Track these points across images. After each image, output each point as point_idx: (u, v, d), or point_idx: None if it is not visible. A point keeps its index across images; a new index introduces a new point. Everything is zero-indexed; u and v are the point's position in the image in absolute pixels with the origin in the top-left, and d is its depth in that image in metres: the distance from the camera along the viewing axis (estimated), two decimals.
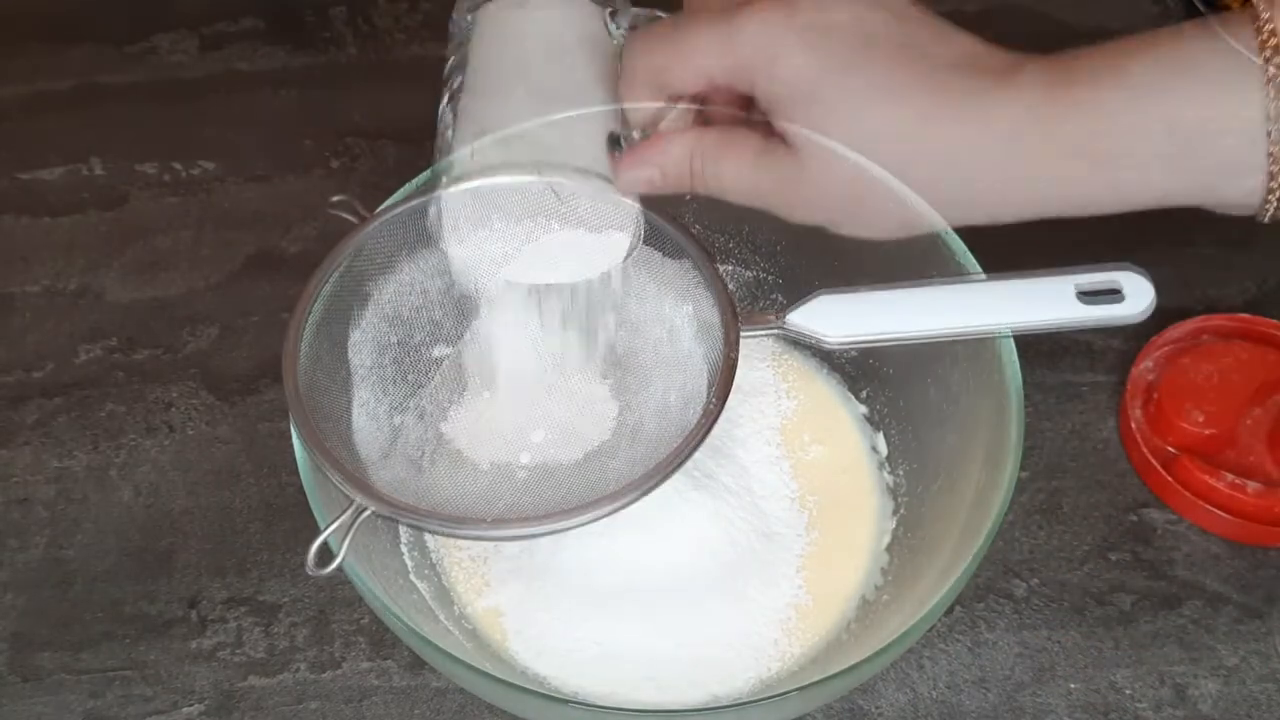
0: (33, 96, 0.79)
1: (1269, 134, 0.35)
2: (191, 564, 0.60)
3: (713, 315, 0.50)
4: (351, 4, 0.82)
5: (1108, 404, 0.64)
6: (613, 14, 0.48)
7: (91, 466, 0.63)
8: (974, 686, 0.55)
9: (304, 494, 0.48)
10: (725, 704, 0.52)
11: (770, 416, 0.60)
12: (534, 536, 0.45)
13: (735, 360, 0.48)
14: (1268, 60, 0.35)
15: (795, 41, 0.38)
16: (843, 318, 0.48)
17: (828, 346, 0.49)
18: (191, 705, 0.56)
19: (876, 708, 0.55)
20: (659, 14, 0.46)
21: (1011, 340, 0.50)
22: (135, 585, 0.59)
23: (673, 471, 0.46)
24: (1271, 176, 0.36)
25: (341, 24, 0.82)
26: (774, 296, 0.61)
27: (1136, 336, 0.64)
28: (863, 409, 0.61)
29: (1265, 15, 0.35)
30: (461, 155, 0.47)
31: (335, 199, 0.51)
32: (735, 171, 0.43)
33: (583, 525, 0.45)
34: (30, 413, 0.65)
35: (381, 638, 0.57)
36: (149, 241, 0.72)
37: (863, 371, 0.61)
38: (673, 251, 0.51)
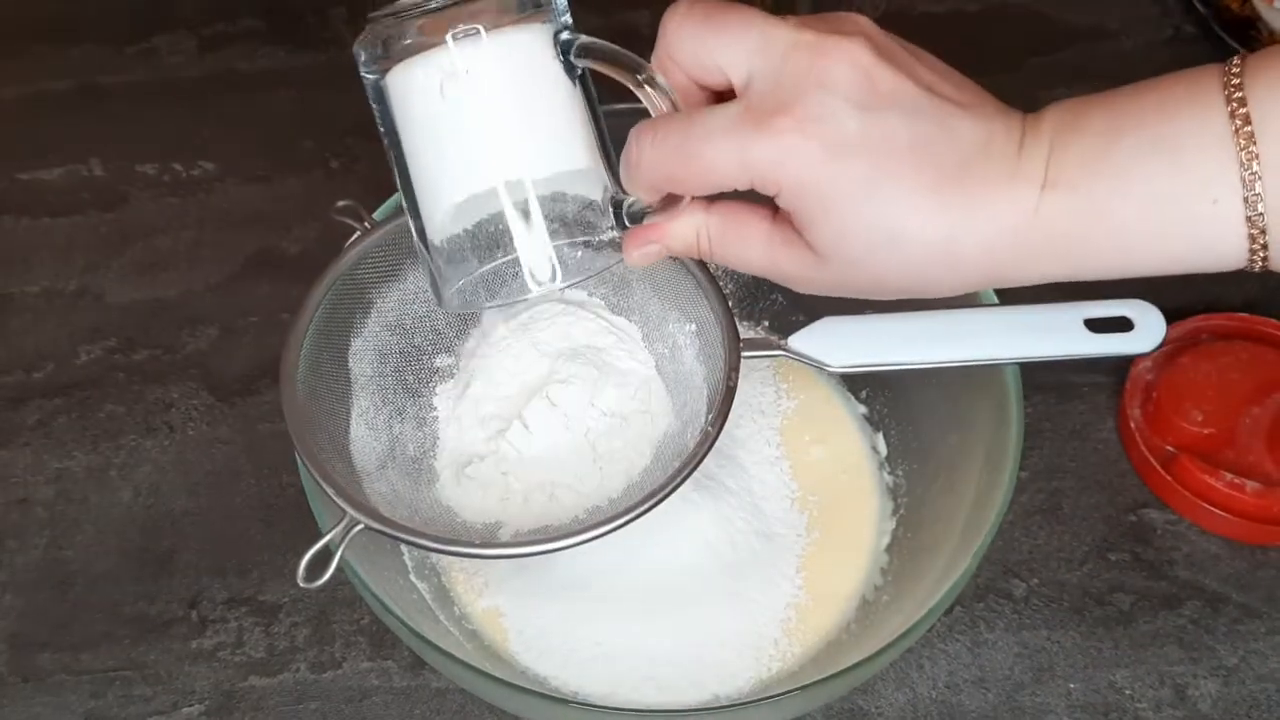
0: (33, 96, 0.79)
1: (1245, 202, 0.37)
2: (191, 564, 0.60)
3: (715, 336, 0.49)
4: (351, 4, 0.82)
5: (1107, 404, 0.64)
6: (564, 43, 0.43)
7: (91, 467, 0.63)
8: (973, 686, 0.55)
9: (304, 494, 0.48)
10: (725, 704, 0.52)
11: (770, 416, 0.60)
12: (525, 556, 0.45)
13: (735, 386, 0.47)
14: (1240, 142, 0.37)
15: (808, 161, 0.39)
16: (846, 342, 0.48)
17: (829, 371, 0.49)
18: (191, 705, 0.56)
19: (876, 708, 0.55)
20: (611, 45, 0.43)
21: None
22: (135, 585, 0.59)
23: (669, 494, 0.45)
24: (1253, 240, 0.37)
25: (341, 24, 0.82)
26: (774, 296, 0.61)
27: None
28: (863, 409, 0.61)
29: (1238, 95, 0.37)
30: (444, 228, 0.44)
31: (340, 204, 0.51)
32: (746, 253, 0.43)
33: (575, 547, 0.45)
34: (30, 413, 0.65)
35: (381, 638, 0.57)
36: (149, 242, 0.72)
37: (863, 373, 0.61)
38: (678, 269, 0.51)
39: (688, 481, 0.53)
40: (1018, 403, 0.49)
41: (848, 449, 0.60)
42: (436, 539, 0.45)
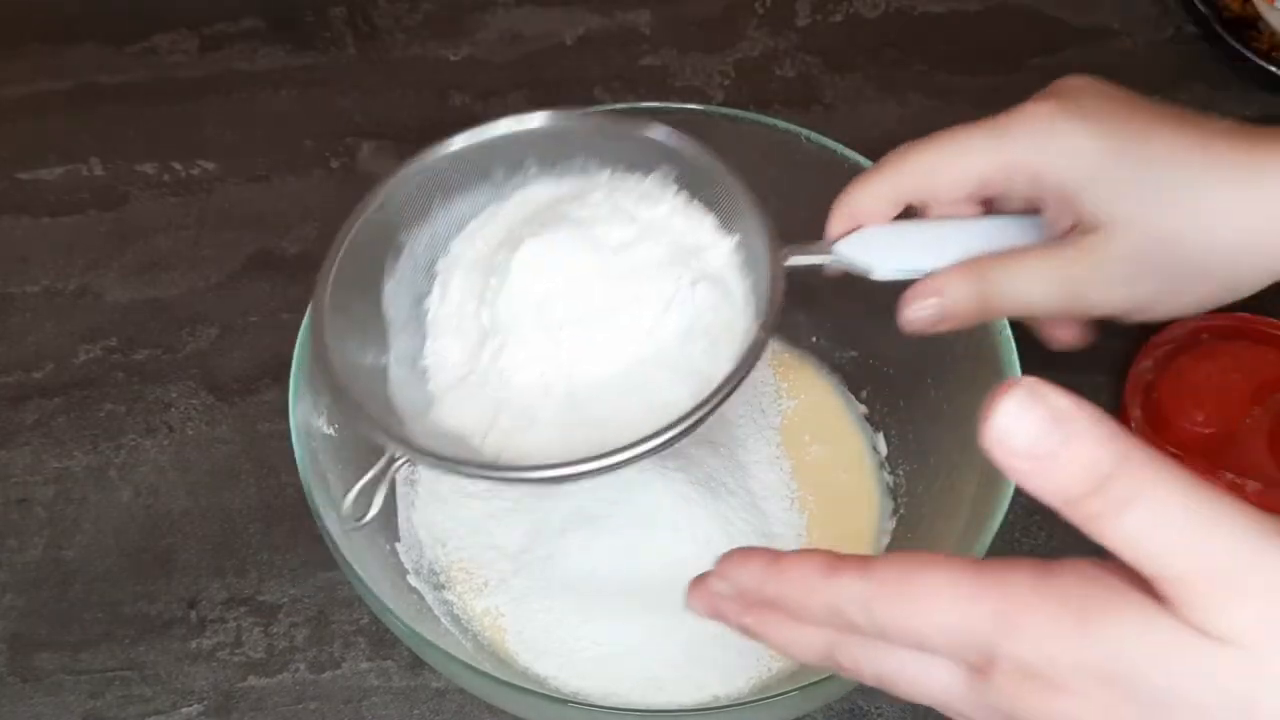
0: (33, 96, 0.78)
1: None
2: (191, 564, 0.60)
3: (758, 240, 0.47)
4: (351, 4, 0.82)
5: (1107, 404, 0.64)
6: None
7: (91, 467, 0.63)
8: None
9: (303, 494, 0.48)
10: (725, 704, 0.52)
11: (770, 416, 0.60)
12: (574, 479, 0.43)
13: (782, 287, 0.45)
14: None
15: (1070, 126, 0.40)
16: (892, 250, 0.47)
17: (875, 279, 0.47)
18: (191, 705, 0.56)
19: (876, 708, 0.55)
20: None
21: (1012, 340, 0.50)
22: (135, 585, 0.59)
23: (721, 402, 0.43)
24: None
25: (341, 24, 0.81)
26: None
27: (1136, 336, 0.64)
28: (863, 409, 0.61)
29: None
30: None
31: (368, 146, 0.48)
32: (1032, 277, 0.43)
33: (629, 464, 0.42)
34: (30, 413, 0.65)
35: (381, 638, 0.57)
36: (149, 241, 0.72)
37: (863, 371, 0.61)
38: (708, 177, 0.48)
39: (687, 481, 0.53)
40: None
41: (848, 449, 0.60)
42: (479, 465, 0.44)
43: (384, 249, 0.49)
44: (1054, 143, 0.41)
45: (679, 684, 0.53)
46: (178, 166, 0.75)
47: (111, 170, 0.75)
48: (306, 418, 0.50)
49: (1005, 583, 0.30)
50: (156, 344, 0.68)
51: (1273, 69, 0.73)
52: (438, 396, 0.48)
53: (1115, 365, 0.64)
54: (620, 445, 0.42)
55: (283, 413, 0.50)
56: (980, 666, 0.31)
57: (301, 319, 0.51)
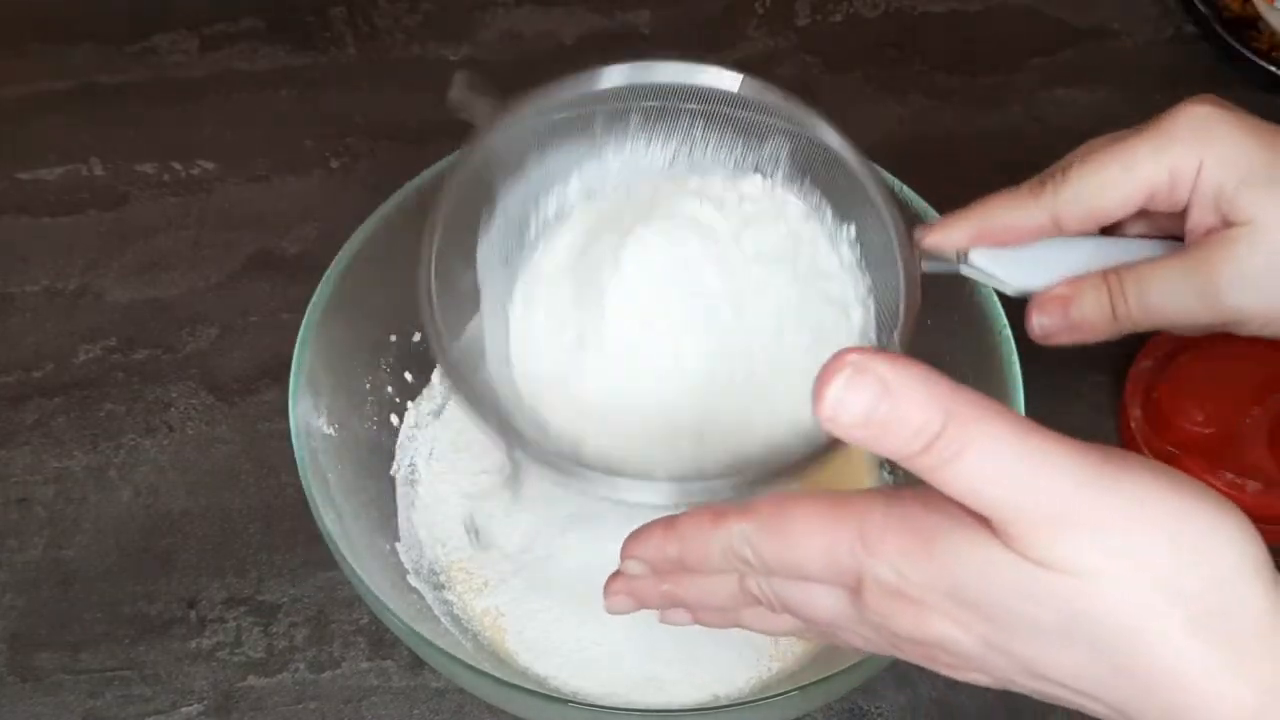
0: (33, 96, 0.78)
1: None
2: (191, 564, 0.60)
3: (885, 239, 0.44)
4: (351, 4, 0.82)
5: (1107, 404, 0.64)
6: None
7: (91, 466, 0.63)
8: (974, 686, 0.55)
9: (303, 494, 0.48)
10: (725, 704, 0.52)
11: None
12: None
13: (919, 298, 0.42)
14: None
15: (1229, 125, 0.41)
16: (1027, 264, 0.45)
17: (1008, 294, 0.46)
18: (191, 705, 0.56)
19: (876, 708, 0.55)
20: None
21: (1012, 340, 0.50)
22: (134, 585, 0.59)
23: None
24: None
25: (341, 24, 0.81)
26: None
27: (1136, 336, 0.63)
28: None
29: None
30: None
31: (460, 78, 0.44)
32: (1168, 283, 0.43)
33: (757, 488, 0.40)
34: (30, 413, 0.65)
35: (381, 638, 0.57)
36: (149, 241, 0.72)
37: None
38: (832, 163, 0.45)
39: None
40: (1018, 403, 0.49)
41: (848, 448, 0.60)
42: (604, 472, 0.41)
43: (479, 206, 0.44)
44: (1215, 142, 0.42)
45: (679, 684, 0.53)
46: (178, 166, 0.75)
47: (111, 170, 0.75)
48: (306, 418, 0.50)
49: (862, 512, 0.34)
50: (156, 344, 0.68)
51: (1272, 69, 0.73)
52: (530, 395, 0.44)
53: (1115, 365, 0.64)
54: (752, 466, 0.40)
55: (283, 413, 0.50)
56: (854, 588, 0.34)
57: (301, 319, 0.51)
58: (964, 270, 0.45)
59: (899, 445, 0.31)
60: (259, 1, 0.82)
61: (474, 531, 0.53)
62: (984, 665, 0.34)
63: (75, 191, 0.74)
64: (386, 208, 0.53)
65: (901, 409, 0.30)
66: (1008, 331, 0.50)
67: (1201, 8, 0.77)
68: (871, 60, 0.77)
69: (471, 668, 0.45)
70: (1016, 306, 0.49)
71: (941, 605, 0.33)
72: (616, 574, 0.41)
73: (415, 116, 0.75)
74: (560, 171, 0.45)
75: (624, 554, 0.40)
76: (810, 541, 0.35)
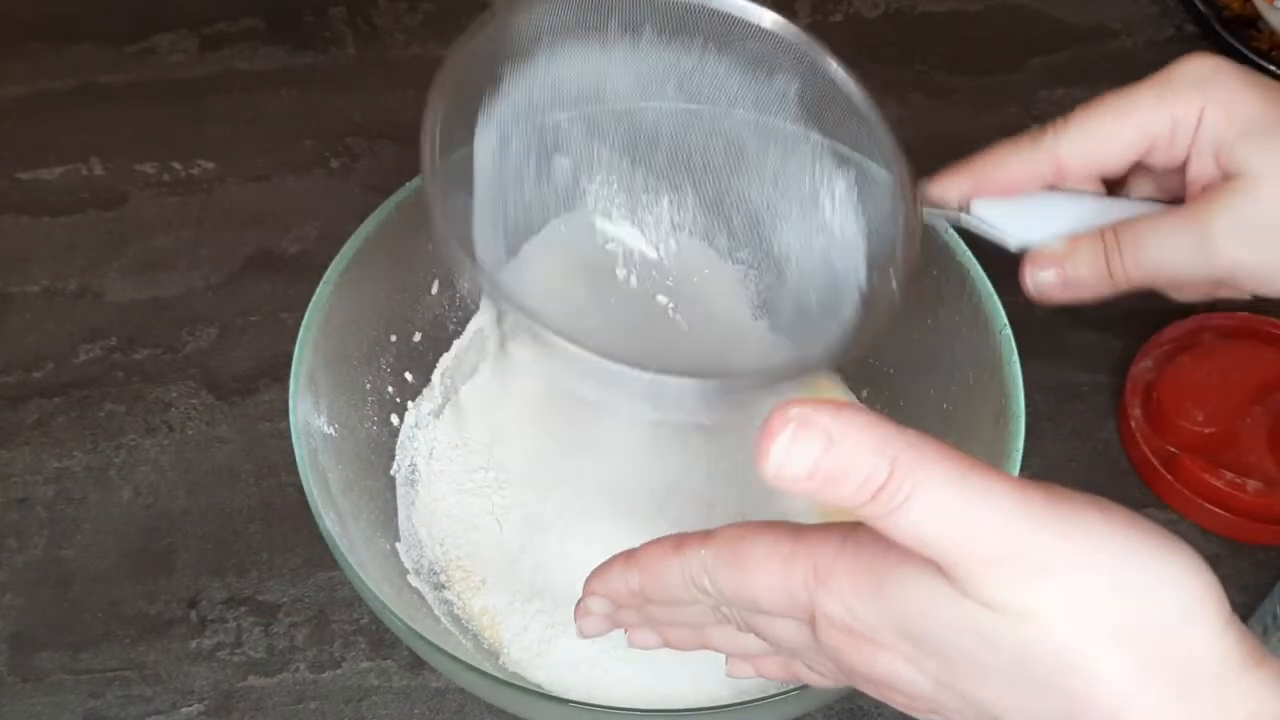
0: (33, 96, 0.78)
1: None
2: (191, 564, 0.60)
3: (886, 180, 0.44)
4: (351, 4, 0.82)
5: (1107, 404, 0.64)
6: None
7: (91, 466, 0.63)
8: None
9: (304, 494, 0.48)
10: (725, 704, 0.52)
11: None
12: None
13: (918, 243, 0.42)
14: None
15: (1231, 76, 0.41)
16: (1030, 219, 0.45)
17: (1009, 248, 0.45)
18: (191, 705, 0.56)
19: (876, 708, 0.55)
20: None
21: (1012, 340, 0.50)
22: (135, 585, 0.59)
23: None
24: None
25: (341, 24, 0.82)
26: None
27: (1136, 336, 0.64)
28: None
29: None
30: None
31: None
32: (1164, 237, 0.43)
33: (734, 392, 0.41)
34: (30, 413, 0.65)
35: (381, 638, 0.57)
36: (149, 241, 0.72)
37: (863, 371, 0.61)
38: (838, 102, 0.44)
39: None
40: (1018, 403, 0.49)
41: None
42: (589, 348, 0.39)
43: (484, 86, 0.45)
44: (1216, 91, 0.42)
45: (679, 684, 0.53)
46: (178, 166, 0.75)
47: (111, 170, 0.75)
48: (306, 417, 0.50)
49: (815, 546, 0.34)
50: (156, 344, 0.68)
51: (1273, 69, 0.73)
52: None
53: (1115, 365, 0.64)
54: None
55: (283, 412, 0.50)
56: (809, 622, 0.35)
57: (301, 319, 0.51)
58: (965, 221, 0.45)
59: (846, 496, 0.30)
60: (259, 1, 0.82)
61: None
62: (937, 705, 0.34)
63: (75, 191, 0.74)
64: (386, 208, 0.53)
65: (845, 460, 0.30)
66: (1008, 331, 0.50)
67: (1201, 7, 0.77)
68: (871, 60, 0.77)
69: (471, 667, 0.45)
70: (1016, 306, 0.49)
71: (892, 643, 0.33)
72: (581, 604, 0.41)
73: (415, 116, 0.75)
74: (565, 84, 0.45)
75: (586, 590, 0.40)
76: (765, 574, 0.35)
